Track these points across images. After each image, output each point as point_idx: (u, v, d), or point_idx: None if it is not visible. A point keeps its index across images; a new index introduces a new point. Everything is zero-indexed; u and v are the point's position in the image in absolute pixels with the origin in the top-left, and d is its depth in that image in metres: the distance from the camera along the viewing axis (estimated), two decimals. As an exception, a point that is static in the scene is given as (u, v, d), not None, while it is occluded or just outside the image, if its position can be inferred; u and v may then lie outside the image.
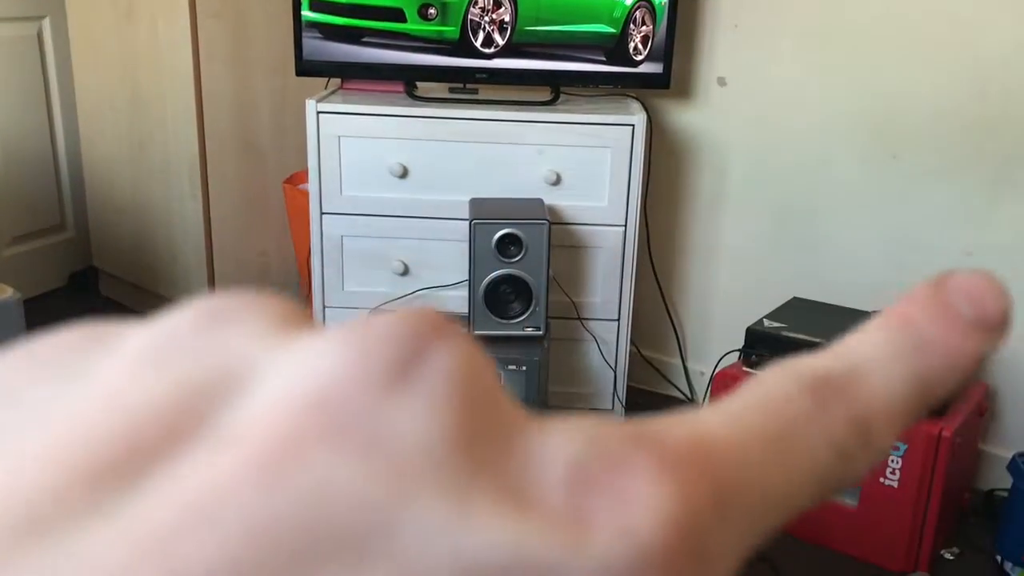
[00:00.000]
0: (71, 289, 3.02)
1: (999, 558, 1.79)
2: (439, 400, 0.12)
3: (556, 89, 2.06)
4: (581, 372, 2.10)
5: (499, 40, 1.99)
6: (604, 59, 2.01)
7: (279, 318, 0.15)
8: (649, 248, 2.39)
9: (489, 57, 2.00)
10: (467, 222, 1.91)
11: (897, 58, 1.96)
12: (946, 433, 1.65)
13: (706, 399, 2.35)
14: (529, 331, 1.87)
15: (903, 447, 1.68)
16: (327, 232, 2.03)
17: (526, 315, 1.86)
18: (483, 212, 1.85)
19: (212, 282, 2.54)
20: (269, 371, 0.13)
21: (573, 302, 2.04)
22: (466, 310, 1.94)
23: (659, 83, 2.04)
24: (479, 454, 0.12)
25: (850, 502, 1.78)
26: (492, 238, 1.82)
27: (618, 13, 1.98)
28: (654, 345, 2.48)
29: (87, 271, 3.03)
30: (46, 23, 2.83)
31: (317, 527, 0.11)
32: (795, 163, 2.14)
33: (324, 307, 2.07)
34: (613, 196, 1.97)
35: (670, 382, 2.46)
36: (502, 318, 1.86)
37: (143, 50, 2.49)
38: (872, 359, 0.17)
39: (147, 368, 0.13)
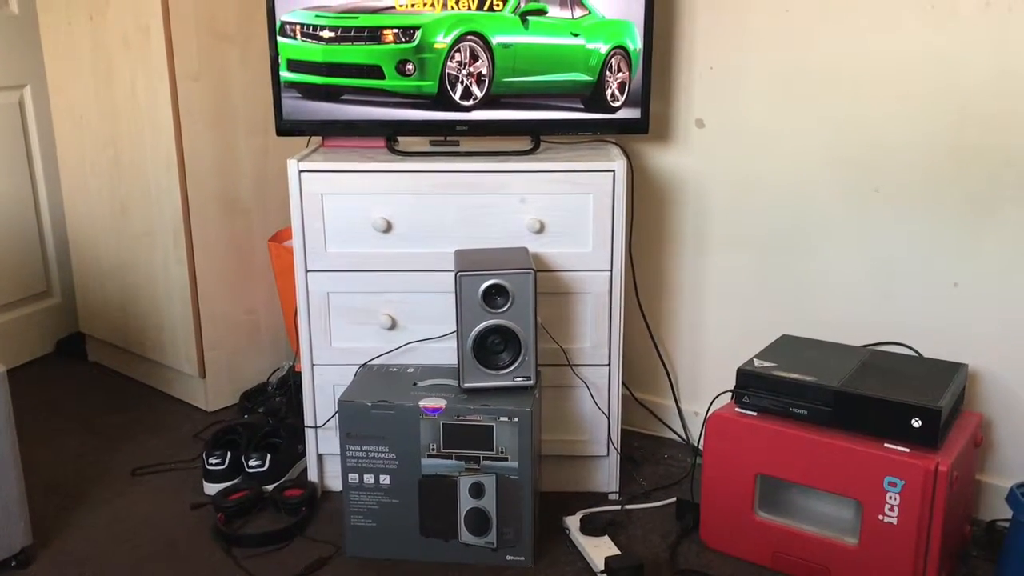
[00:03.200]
0: (59, 356, 3.01)
1: (1004, 591, 1.77)
2: None
3: (536, 138, 2.08)
4: (574, 419, 2.09)
5: (477, 92, 2.01)
6: (582, 107, 2.03)
7: None
8: (636, 291, 2.39)
9: (468, 110, 2.02)
10: (453, 274, 1.91)
11: (874, 92, 1.98)
12: (943, 467, 1.64)
13: (701, 441, 2.33)
14: (519, 381, 1.86)
15: (900, 483, 1.67)
16: (313, 289, 2.02)
17: (516, 365, 1.85)
18: (468, 263, 1.85)
19: (200, 343, 2.53)
20: None
21: (563, 349, 2.04)
22: (455, 362, 1.93)
23: (638, 128, 2.05)
24: None
25: (851, 540, 1.76)
26: (478, 289, 1.82)
27: (594, 61, 2.00)
28: (647, 387, 2.47)
29: (74, 337, 3.01)
30: (27, 91, 2.84)
31: None
32: (777, 200, 2.16)
33: (312, 364, 2.06)
34: (597, 241, 1.98)
35: (665, 424, 2.45)
36: (492, 369, 1.85)
37: (123, 115, 2.50)
38: None
39: None
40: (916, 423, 1.68)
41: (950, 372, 1.84)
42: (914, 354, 2.00)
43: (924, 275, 1.99)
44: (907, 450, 1.68)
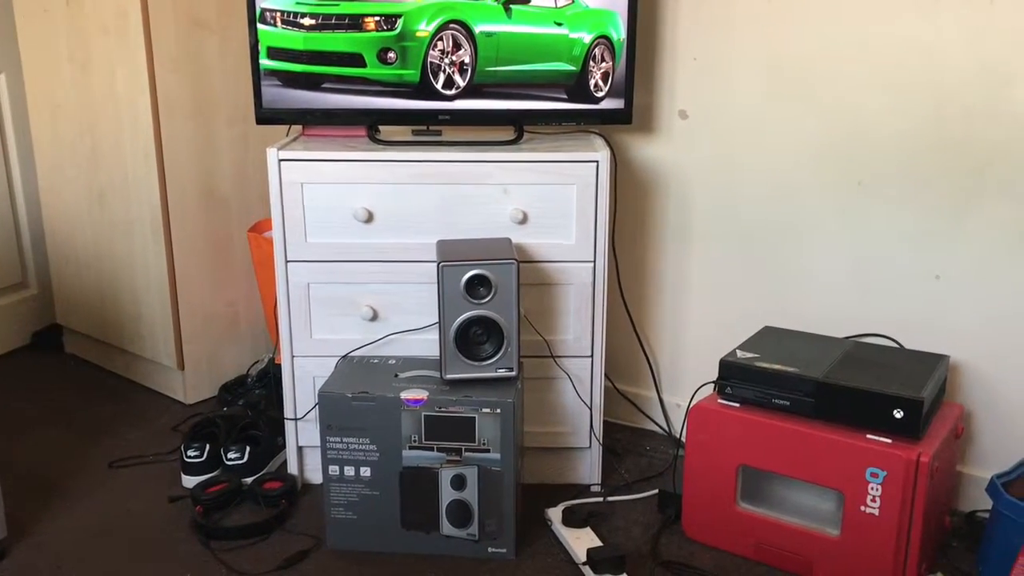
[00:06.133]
0: (35, 347, 2.97)
1: (984, 581, 1.78)
2: None
3: (519, 128, 2.06)
4: (556, 411, 2.08)
5: (460, 82, 1.99)
6: (566, 97, 2.02)
7: None
8: (619, 282, 2.38)
9: (451, 99, 2.00)
10: (435, 264, 1.90)
11: (857, 85, 1.98)
12: (924, 458, 1.64)
13: (683, 432, 2.33)
14: (502, 372, 1.85)
15: (882, 474, 1.67)
16: (293, 280, 2.00)
17: (498, 356, 1.84)
18: (450, 254, 1.84)
19: (179, 335, 2.50)
20: None
21: (545, 340, 2.03)
22: (437, 354, 1.92)
23: (621, 119, 2.04)
24: None
25: (832, 531, 1.77)
26: (461, 280, 1.81)
27: (577, 51, 1.99)
28: (629, 379, 2.47)
29: (51, 328, 2.98)
30: (1, 79, 2.80)
31: None
32: (760, 192, 2.15)
33: (293, 356, 2.04)
34: (580, 232, 1.97)
35: (647, 416, 2.44)
36: (474, 360, 1.84)
37: (101, 103, 2.46)
38: None
39: None
40: (898, 414, 1.68)
41: (932, 364, 1.84)
42: (896, 346, 2.00)
43: (906, 267, 2.00)
44: (889, 441, 1.69)
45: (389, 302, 2.01)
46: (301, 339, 2.03)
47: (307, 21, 1.96)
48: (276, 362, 2.33)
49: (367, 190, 1.96)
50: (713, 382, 1.89)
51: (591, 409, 2.07)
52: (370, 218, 1.97)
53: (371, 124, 2.06)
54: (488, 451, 1.81)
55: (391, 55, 1.97)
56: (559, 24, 1.97)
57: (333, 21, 1.95)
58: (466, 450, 1.82)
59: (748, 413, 1.81)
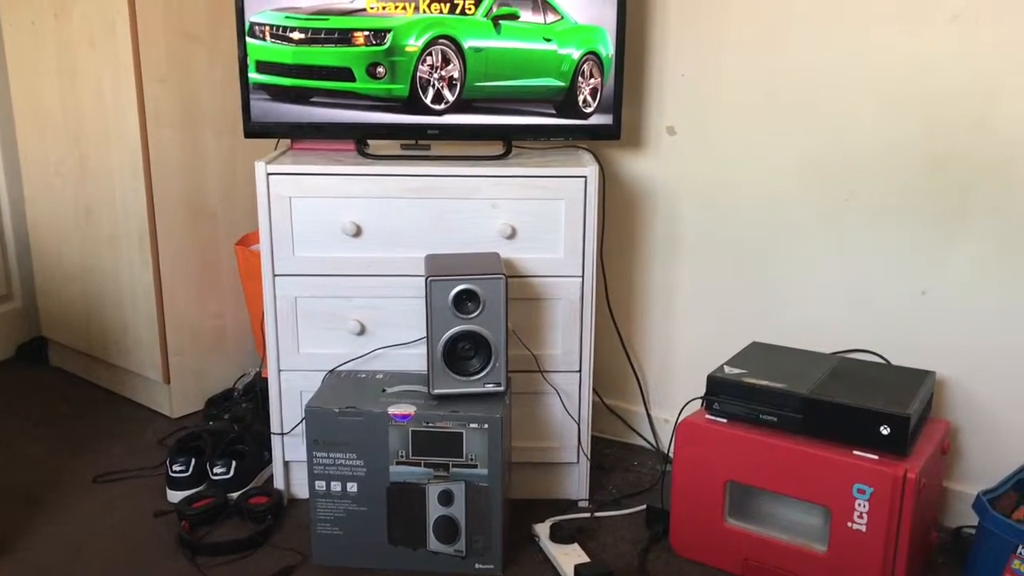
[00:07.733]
0: (20, 360, 2.95)
1: (970, 597, 1.78)
2: None
3: (508, 143, 2.07)
4: (544, 426, 2.08)
5: (449, 96, 1.99)
6: (554, 112, 2.02)
7: None
8: (608, 297, 2.38)
9: (440, 113, 2.00)
10: (423, 279, 1.90)
11: (846, 100, 1.99)
12: (911, 474, 1.65)
13: (671, 448, 2.33)
14: (490, 387, 1.85)
15: (869, 490, 1.67)
16: (280, 294, 2.00)
17: (486, 371, 1.84)
18: (439, 268, 1.83)
19: (165, 348, 2.49)
20: None
21: (533, 355, 2.03)
22: (425, 368, 1.91)
23: (609, 134, 2.05)
24: None
25: (820, 548, 1.77)
26: (449, 294, 1.80)
27: (566, 67, 2.00)
28: (617, 394, 2.47)
29: (36, 341, 2.96)
30: (-11, 91, 2.79)
31: None
32: (749, 208, 2.16)
33: (279, 370, 2.03)
34: (569, 247, 1.97)
35: (635, 431, 2.44)
36: (462, 375, 1.84)
37: (88, 115, 2.46)
38: None
39: None
40: (885, 430, 1.68)
41: (918, 380, 1.85)
42: (883, 362, 2.01)
43: (893, 283, 2.00)
44: (876, 457, 1.69)
45: (377, 316, 2.01)
46: (288, 353, 2.03)
47: (296, 35, 1.96)
48: (263, 376, 2.32)
49: (355, 204, 1.95)
50: (701, 398, 1.89)
51: (579, 424, 2.07)
52: (358, 232, 1.96)
53: (360, 138, 2.06)
54: (475, 467, 1.81)
55: (380, 70, 1.97)
56: (548, 40, 1.98)
57: (322, 35, 1.95)
58: (453, 466, 1.81)
59: (736, 429, 1.81)
